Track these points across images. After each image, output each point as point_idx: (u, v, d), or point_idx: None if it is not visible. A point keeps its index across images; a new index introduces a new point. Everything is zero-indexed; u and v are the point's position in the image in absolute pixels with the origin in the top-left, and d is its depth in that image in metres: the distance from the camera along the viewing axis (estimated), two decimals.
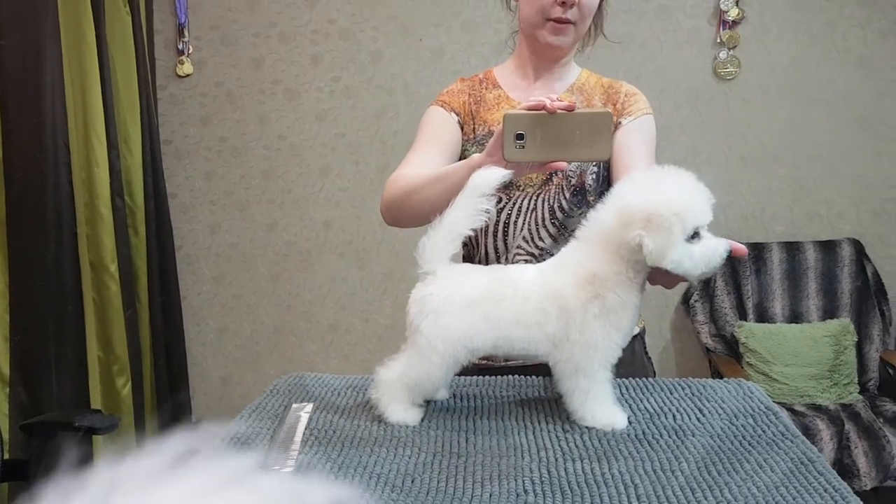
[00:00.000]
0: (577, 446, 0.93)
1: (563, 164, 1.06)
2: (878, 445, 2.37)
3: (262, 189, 3.14)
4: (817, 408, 2.57)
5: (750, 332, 2.74)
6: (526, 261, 1.32)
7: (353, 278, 3.15)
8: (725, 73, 2.94)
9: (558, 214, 1.31)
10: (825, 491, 0.79)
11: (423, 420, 1.02)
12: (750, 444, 0.91)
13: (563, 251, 1.03)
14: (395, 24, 3.03)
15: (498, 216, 1.33)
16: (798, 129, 2.95)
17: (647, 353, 1.42)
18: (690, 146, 2.97)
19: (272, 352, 3.22)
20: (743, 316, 2.83)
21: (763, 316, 2.83)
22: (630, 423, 0.99)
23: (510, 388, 1.15)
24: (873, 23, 2.88)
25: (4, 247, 2.42)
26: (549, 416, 1.03)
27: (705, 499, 0.78)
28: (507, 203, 1.32)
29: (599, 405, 0.99)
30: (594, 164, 1.31)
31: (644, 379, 1.18)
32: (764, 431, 0.95)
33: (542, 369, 1.09)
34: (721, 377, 2.11)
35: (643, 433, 0.96)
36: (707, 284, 2.86)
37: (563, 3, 1.25)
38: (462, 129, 1.36)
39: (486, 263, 1.34)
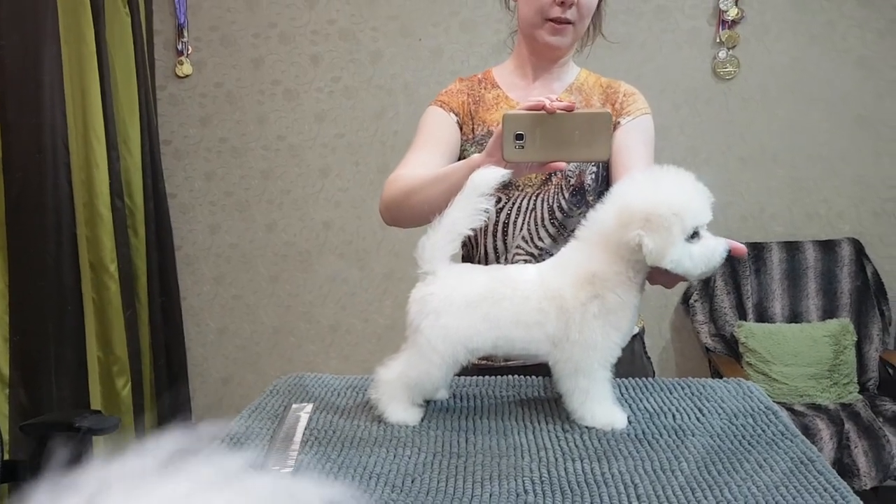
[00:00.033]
0: (576, 446, 0.93)
1: (563, 165, 1.06)
2: (878, 445, 2.37)
3: (261, 189, 3.14)
4: (817, 407, 2.57)
5: (749, 332, 2.74)
6: (525, 261, 1.32)
7: (352, 279, 3.15)
8: (725, 73, 2.94)
9: (557, 214, 1.31)
10: (825, 490, 0.79)
11: (422, 420, 1.02)
12: (750, 444, 0.91)
13: (563, 251, 1.03)
14: (395, 25, 3.03)
15: (497, 216, 1.33)
16: (797, 129, 2.95)
17: (646, 352, 1.42)
18: (690, 146, 2.97)
19: (272, 352, 3.22)
20: (742, 316, 2.83)
21: (763, 316, 2.83)
22: (630, 422, 0.99)
23: (510, 388, 1.15)
24: (872, 22, 2.89)
25: (4, 247, 2.42)
26: (548, 415, 1.03)
27: (705, 498, 0.78)
28: (506, 203, 1.33)
29: (599, 405, 0.99)
30: (593, 164, 1.31)
31: (644, 379, 1.18)
32: (764, 431, 0.96)
33: (541, 369, 1.09)
34: (721, 377, 2.10)
35: (643, 433, 0.96)
36: (707, 284, 2.87)
37: (562, 3, 1.25)
38: (461, 129, 1.36)
39: (486, 263, 1.34)
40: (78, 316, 2.56)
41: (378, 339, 3.17)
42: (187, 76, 3.10)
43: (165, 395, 2.97)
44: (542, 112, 1.00)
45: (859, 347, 2.75)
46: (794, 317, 2.82)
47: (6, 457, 1.73)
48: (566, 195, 1.31)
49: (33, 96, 2.42)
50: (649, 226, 0.91)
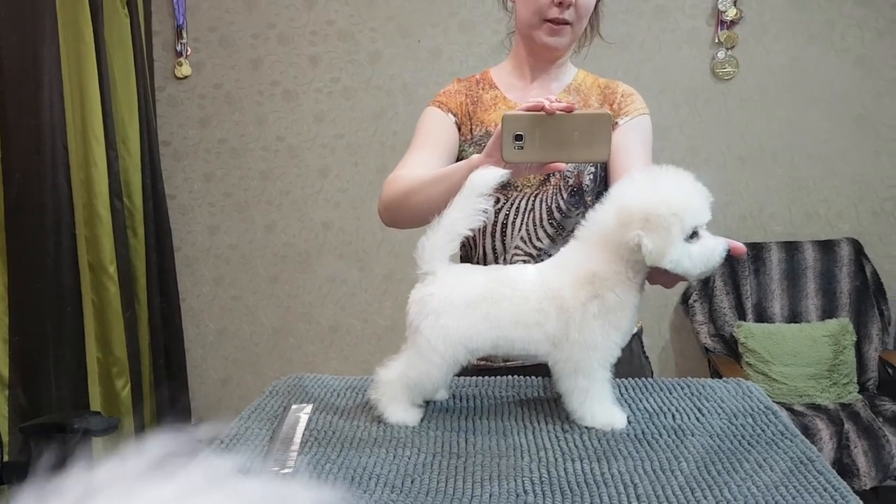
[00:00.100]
0: (576, 446, 0.93)
1: (562, 165, 1.06)
2: (878, 445, 2.37)
3: (260, 190, 3.14)
4: (816, 407, 2.57)
5: (749, 332, 2.74)
6: (524, 261, 1.32)
7: (352, 279, 3.15)
8: (724, 73, 2.94)
9: (556, 215, 1.31)
10: (825, 490, 0.79)
11: (422, 420, 1.02)
12: (749, 444, 0.91)
13: (563, 251, 1.03)
14: (394, 25, 3.04)
15: (496, 217, 1.33)
16: (796, 129, 2.95)
17: (644, 352, 1.42)
18: (689, 146, 2.97)
19: (271, 353, 3.22)
20: (742, 316, 2.83)
21: (762, 316, 2.83)
22: (629, 422, 0.99)
23: (510, 388, 1.15)
24: (871, 22, 2.89)
25: (3, 248, 2.42)
26: (548, 416, 1.03)
27: (705, 498, 0.78)
28: (504, 203, 1.33)
29: (599, 405, 0.99)
30: (592, 164, 1.31)
31: (643, 379, 1.18)
32: (763, 431, 0.96)
33: (541, 369, 1.09)
34: (720, 377, 2.10)
35: (642, 433, 0.96)
36: (706, 284, 2.87)
37: (560, 3, 1.25)
38: (459, 129, 1.36)
39: (484, 264, 1.34)
40: (77, 317, 2.56)
41: (378, 340, 3.17)
42: (186, 77, 3.10)
43: (165, 396, 2.97)
44: (542, 113, 1.00)
45: (859, 347, 2.75)
46: (794, 317, 2.82)
47: (6, 458, 1.73)
48: (564, 196, 1.31)
49: (32, 97, 2.42)
50: (648, 226, 0.91)
